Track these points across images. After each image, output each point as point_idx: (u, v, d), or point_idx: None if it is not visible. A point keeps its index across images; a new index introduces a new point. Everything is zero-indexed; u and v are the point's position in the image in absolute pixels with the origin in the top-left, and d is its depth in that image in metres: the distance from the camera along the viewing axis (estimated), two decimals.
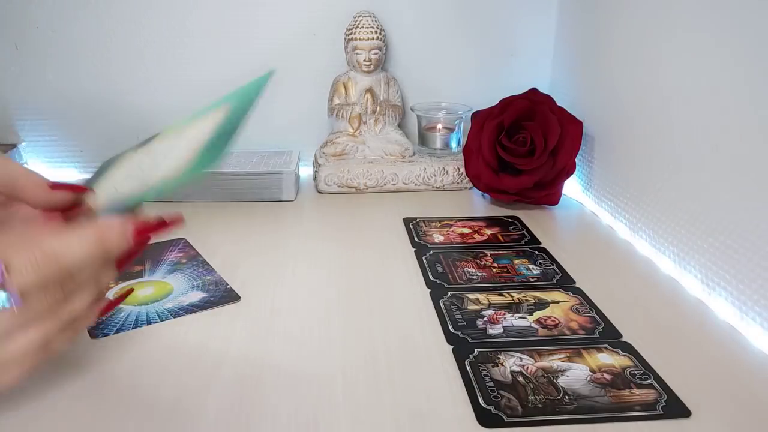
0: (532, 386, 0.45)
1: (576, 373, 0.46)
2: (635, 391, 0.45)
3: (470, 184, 0.87)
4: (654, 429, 0.41)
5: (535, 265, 0.65)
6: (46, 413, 0.42)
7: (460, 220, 0.77)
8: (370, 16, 0.88)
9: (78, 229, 0.39)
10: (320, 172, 0.87)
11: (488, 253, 0.67)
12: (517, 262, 0.65)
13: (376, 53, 0.88)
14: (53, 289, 0.38)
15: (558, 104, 0.81)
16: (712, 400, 0.44)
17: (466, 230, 0.74)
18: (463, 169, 0.86)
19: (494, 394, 0.44)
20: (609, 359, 0.48)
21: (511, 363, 0.48)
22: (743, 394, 0.45)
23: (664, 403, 0.43)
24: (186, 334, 0.52)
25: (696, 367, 0.48)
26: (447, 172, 0.88)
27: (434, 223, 0.76)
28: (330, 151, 0.89)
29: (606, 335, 0.52)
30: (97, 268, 0.40)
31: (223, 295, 0.58)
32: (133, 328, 0.52)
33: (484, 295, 0.58)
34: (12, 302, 0.36)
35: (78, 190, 0.45)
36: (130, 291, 0.50)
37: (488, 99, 0.85)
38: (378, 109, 0.90)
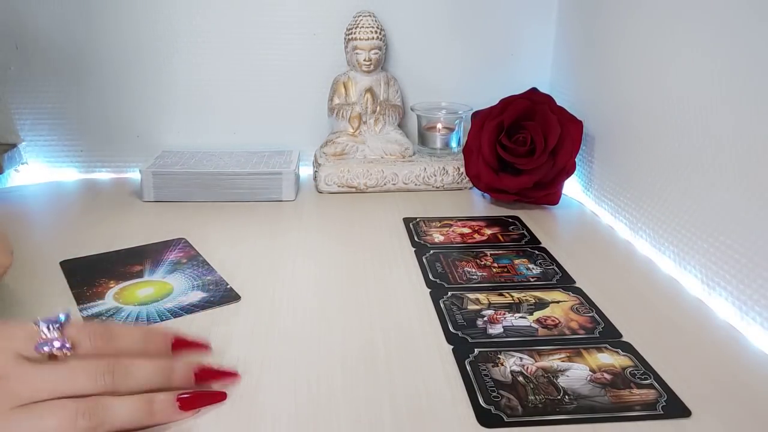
0: (532, 386, 0.45)
1: (576, 373, 0.46)
2: (635, 391, 0.45)
3: (470, 184, 0.87)
4: (654, 429, 0.41)
5: (535, 264, 0.65)
6: None
7: (460, 220, 0.77)
8: (370, 15, 0.88)
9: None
10: (320, 172, 0.87)
11: (488, 252, 0.67)
12: (517, 261, 0.65)
13: (376, 53, 0.88)
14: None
15: (558, 104, 0.81)
16: (712, 400, 0.44)
17: (466, 230, 0.74)
18: (463, 169, 0.86)
19: (494, 394, 0.44)
20: (609, 359, 0.48)
21: (511, 363, 0.48)
22: (743, 394, 0.45)
23: (664, 403, 0.43)
24: None
25: (696, 367, 0.48)
26: (447, 171, 0.88)
27: (434, 223, 0.75)
28: (330, 150, 0.89)
29: (606, 335, 0.52)
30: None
31: (223, 295, 0.58)
32: None
33: (484, 295, 0.58)
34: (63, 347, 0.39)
35: None
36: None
37: (488, 99, 0.85)
38: (378, 108, 0.90)
